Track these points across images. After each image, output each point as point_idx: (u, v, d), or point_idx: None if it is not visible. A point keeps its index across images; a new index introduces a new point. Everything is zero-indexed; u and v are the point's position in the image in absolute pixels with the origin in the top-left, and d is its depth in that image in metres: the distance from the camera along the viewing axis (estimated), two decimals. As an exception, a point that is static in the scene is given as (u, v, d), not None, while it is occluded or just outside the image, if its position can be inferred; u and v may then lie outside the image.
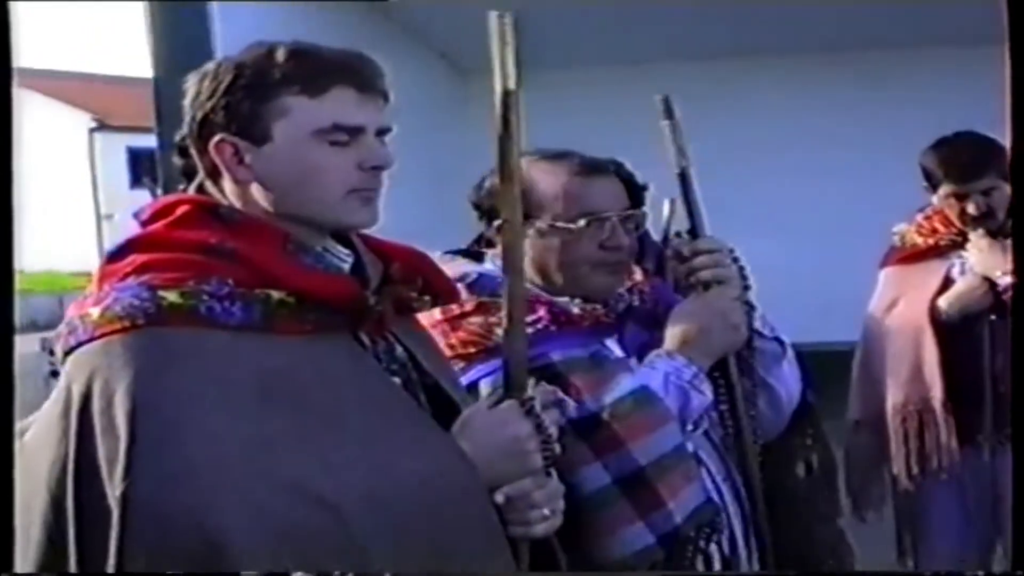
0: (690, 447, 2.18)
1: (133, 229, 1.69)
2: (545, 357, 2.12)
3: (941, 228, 3.39)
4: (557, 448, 1.74)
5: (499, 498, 1.67)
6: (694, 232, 2.26)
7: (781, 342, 2.33)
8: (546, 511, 1.72)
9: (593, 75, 5.24)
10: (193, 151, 1.69)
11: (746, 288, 2.24)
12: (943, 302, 3.33)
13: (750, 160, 5.04)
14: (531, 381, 1.77)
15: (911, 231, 3.47)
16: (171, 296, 1.55)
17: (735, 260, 2.25)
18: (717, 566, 2.15)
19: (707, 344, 2.18)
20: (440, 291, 1.82)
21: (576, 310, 2.21)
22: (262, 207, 1.66)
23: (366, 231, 1.76)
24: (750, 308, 2.25)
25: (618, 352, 2.23)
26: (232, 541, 1.45)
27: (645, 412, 2.11)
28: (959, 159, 3.29)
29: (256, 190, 1.66)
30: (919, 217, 3.47)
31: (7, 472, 1.49)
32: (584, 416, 2.06)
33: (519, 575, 1.71)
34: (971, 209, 3.28)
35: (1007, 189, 3.25)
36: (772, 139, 5.20)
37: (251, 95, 1.62)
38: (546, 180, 2.20)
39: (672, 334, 2.19)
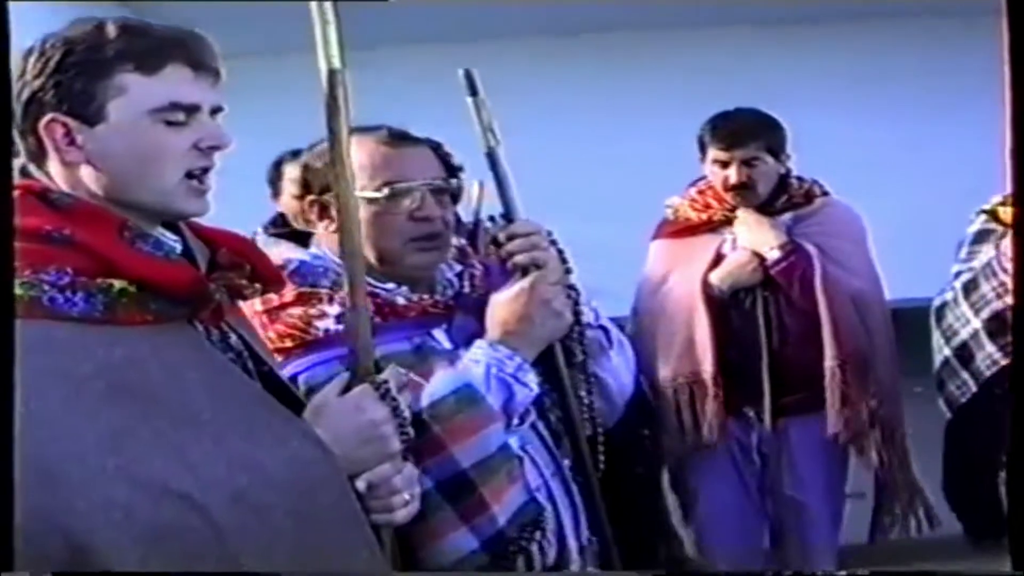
0: (516, 443, 2.09)
1: None
2: None
3: (714, 204, 3.40)
4: (412, 431, 1.71)
5: (360, 486, 1.65)
6: (507, 215, 2.16)
7: (606, 330, 2.25)
8: (406, 496, 1.72)
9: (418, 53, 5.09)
10: (15, 133, 1.60)
11: (567, 272, 2.16)
12: (714, 277, 3.35)
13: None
14: None
15: (684, 205, 3.47)
16: None
17: (553, 243, 2.15)
18: (538, 564, 2.07)
19: (530, 332, 2.08)
20: (267, 278, 1.77)
21: (402, 300, 2.11)
22: (92, 191, 1.59)
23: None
24: (573, 292, 2.16)
25: (446, 343, 2.12)
26: (98, 543, 1.40)
27: (468, 413, 2.00)
28: (727, 126, 3.32)
29: (86, 173, 1.58)
30: (692, 191, 3.47)
31: (7, 472, 1.41)
32: None
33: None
34: (732, 177, 3.30)
35: (772, 164, 3.32)
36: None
37: (84, 73, 1.55)
38: (354, 153, 2.07)
39: (492, 323, 2.09)
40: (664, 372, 3.38)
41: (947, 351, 3.11)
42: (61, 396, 1.44)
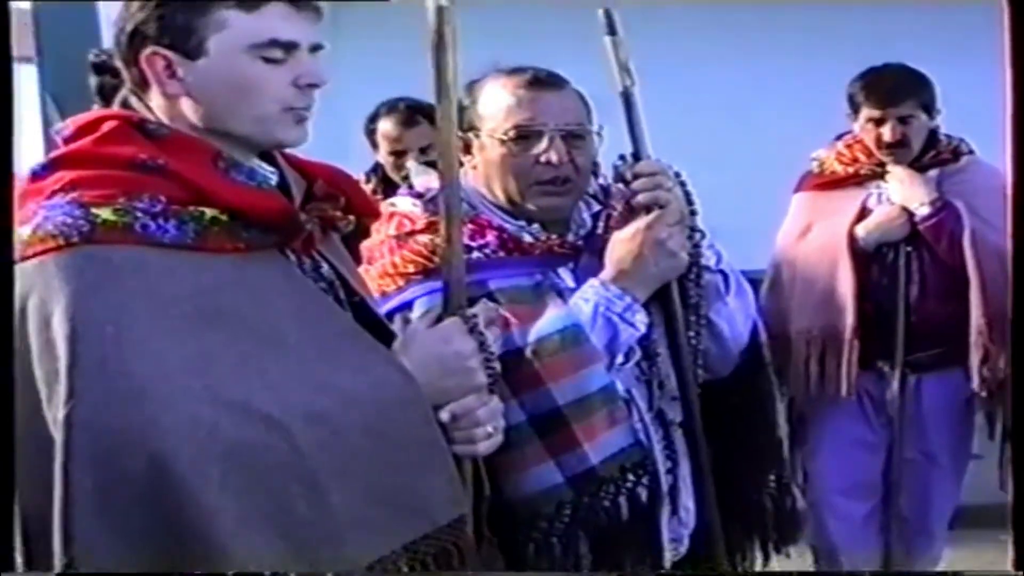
0: (620, 386, 2.12)
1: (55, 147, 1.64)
2: (482, 285, 2.06)
3: (862, 157, 3.40)
4: (498, 366, 1.73)
5: (444, 416, 1.67)
6: (636, 155, 2.17)
7: (726, 275, 2.25)
8: (489, 428, 1.73)
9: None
10: (120, 64, 1.64)
11: (692, 213, 2.16)
12: (860, 230, 3.36)
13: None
14: None
15: (831, 158, 3.47)
16: (104, 213, 1.51)
17: (682, 184, 2.16)
18: (625, 508, 2.09)
19: (643, 272, 2.10)
20: (363, 211, 1.79)
21: (528, 238, 2.15)
22: (191, 122, 1.62)
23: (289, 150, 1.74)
24: (695, 235, 2.17)
25: (570, 282, 2.16)
26: (179, 461, 1.42)
27: (570, 352, 2.05)
28: (882, 84, 3.31)
29: (186, 105, 1.62)
30: (840, 145, 3.47)
31: (7, 472, 1.46)
32: (508, 351, 1.98)
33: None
34: (887, 135, 3.30)
35: (925, 120, 3.31)
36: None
37: (186, 8, 1.58)
38: (493, 93, 2.16)
39: (609, 262, 2.12)
40: (799, 323, 3.40)
41: None
42: (149, 317, 1.47)
